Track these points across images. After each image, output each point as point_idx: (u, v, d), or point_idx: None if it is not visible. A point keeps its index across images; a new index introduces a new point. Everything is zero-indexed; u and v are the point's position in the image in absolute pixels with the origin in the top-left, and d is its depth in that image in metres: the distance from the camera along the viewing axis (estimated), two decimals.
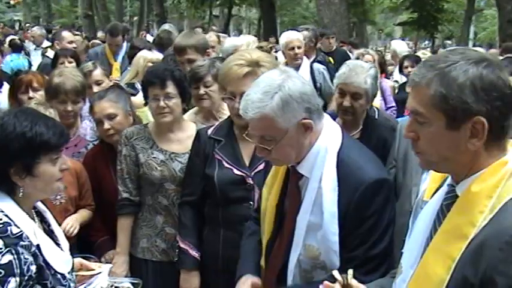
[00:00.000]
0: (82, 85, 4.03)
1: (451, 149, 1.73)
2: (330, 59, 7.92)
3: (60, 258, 2.28)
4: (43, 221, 2.44)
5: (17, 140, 2.16)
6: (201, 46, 5.06)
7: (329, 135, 2.42)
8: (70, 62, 5.60)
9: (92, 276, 3.24)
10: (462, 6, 29.82)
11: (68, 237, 3.42)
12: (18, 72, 4.43)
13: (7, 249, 2.04)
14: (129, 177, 3.53)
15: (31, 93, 4.24)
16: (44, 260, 2.17)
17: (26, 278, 2.06)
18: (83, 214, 3.66)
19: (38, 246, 2.16)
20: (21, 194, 2.20)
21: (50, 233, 2.40)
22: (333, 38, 9.65)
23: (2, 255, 2.03)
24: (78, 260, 2.65)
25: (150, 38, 12.13)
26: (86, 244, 3.69)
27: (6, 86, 5.09)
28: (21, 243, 2.08)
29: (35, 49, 10.76)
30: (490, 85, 1.66)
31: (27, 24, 30.29)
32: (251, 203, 3.10)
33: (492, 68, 1.67)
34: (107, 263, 3.53)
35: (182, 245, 3.27)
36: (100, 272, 2.89)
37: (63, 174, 2.36)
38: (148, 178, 3.48)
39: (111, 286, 3.21)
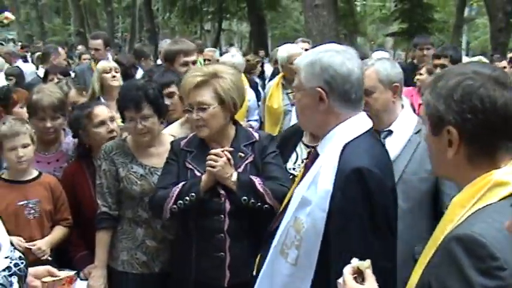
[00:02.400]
0: (60, 101, 4.03)
1: (438, 156, 1.81)
2: None
3: None
4: None
5: None
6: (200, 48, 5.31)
7: (351, 126, 2.43)
8: (59, 79, 5.61)
9: (61, 286, 3.28)
10: (452, 16, 29.99)
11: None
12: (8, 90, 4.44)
13: None
14: (109, 192, 3.53)
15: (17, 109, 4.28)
16: None
17: None
18: (56, 234, 3.66)
19: None
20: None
21: None
22: (429, 49, 7.80)
23: None
24: (45, 268, 2.66)
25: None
26: (65, 259, 3.70)
27: None
28: None
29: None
30: (465, 97, 1.68)
31: (19, 43, 30.33)
32: (222, 216, 3.13)
33: (483, 83, 1.68)
34: (85, 278, 3.56)
35: None
36: (65, 277, 2.90)
37: None
38: (129, 192, 3.48)
39: None
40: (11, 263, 2.37)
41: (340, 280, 1.97)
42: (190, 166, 3.22)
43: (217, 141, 3.24)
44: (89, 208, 3.64)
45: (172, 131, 3.85)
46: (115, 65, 5.77)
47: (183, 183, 3.16)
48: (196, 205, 3.12)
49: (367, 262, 1.96)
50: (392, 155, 3.17)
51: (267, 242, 2.62)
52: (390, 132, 3.32)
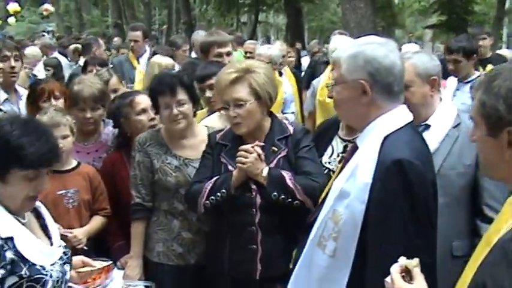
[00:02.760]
0: (100, 92, 4.08)
1: (493, 156, 1.77)
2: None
3: (40, 251, 2.33)
4: (39, 216, 2.53)
5: (3, 142, 2.22)
6: (235, 40, 5.30)
7: (391, 119, 2.42)
8: (98, 71, 5.67)
9: (98, 275, 3.33)
10: (493, 8, 29.37)
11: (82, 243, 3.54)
12: (38, 81, 4.47)
13: None
14: (142, 183, 3.56)
15: (53, 101, 4.29)
16: (18, 252, 2.23)
17: None
18: (94, 224, 3.72)
19: (11, 238, 2.22)
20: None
21: (44, 227, 2.49)
22: (484, 39, 7.55)
23: None
24: (80, 258, 2.71)
25: None
26: (103, 248, 3.77)
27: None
28: None
29: None
30: None
31: (58, 34, 30.79)
32: (253, 209, 3.14)
33: None
34: (122, 267, 3.61)
35: None
36: (103, 267, 3.04)
37: (38, 195, 2.40)
38: (164, 184, 3.50)
39: None
40: (63, 253, 2.45)
41: (387, 279, 1.97)
42: (224, 160, 3.24)
43: (252, 135, 3.23)
44: (128, 197, 3.66)
45: (211, 123, 3.87)
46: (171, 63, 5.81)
47: (215, 178, 3.18)
48: (228, 200, 3.13)
49: (415, 261, 1.95)
50: (430, 149, 3.14)
51: (304, 235, 2.61)
52: (428, 126, 3.27)
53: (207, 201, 3.16)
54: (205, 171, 3.28)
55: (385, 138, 2.35)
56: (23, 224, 2.33)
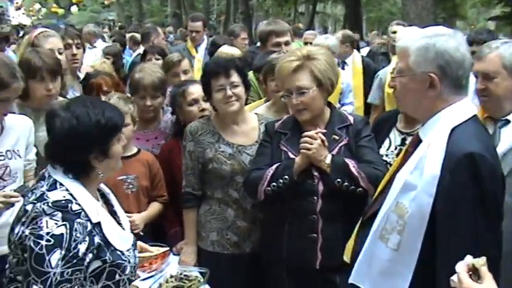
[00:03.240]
0: (160, 81, 4.13)
1: None
2: None
3: (119, 236, 2.40)
4: (107, 202, 2.59)
5: (94, 127, 2.30)
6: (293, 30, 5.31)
7: (457, 111, 2.38)
8: (157, 59, 5.73)
9: (154, 260, 3.40)
10: None
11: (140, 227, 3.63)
12: (88, 75, 4.56)
13: (63, 222, 2.17)
14: (193, 173, 3.59)
15: (102, 97, 4.38)
16: (104, 237, 2.30)
17: (71, 254, 2.16)
18: (152, 210, 3.79)
19: (99, 224, 2.29)
20: (100, 175, 2.39)
21: (112, 214, 2.55)
22: None
23: (58, 227, 2.16)
24: (138, 243, 2.76)
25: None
26: (160, 234, 3.85)
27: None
28: (78, 220, 2.21)
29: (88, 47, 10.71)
30: None
31: (119, 24, 31.35)
32: (315, 197, 3.13)
33: None
34: (177, 253, 3.67)
35: None
36: (160, 252, 3.11)
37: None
38: (219, 172, 3.51)
39: (180, 274, 3.35)
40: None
41: (454, 278, 1.93)
42: (284, 148, 3.25)
43: (313, 123, 3.23)
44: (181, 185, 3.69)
45: (261, 113, 3.88)
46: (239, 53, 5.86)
47: (277, 165, 3.18)
48: (290, 187, 3.13)
49: (483, 259, 1.90)
50: (507, 145, 3.05)
51: (364, 228, 2.59)
52: (508, 121, 3.17)
53: (268, 188, 3.16)
54: (264, 159, 3.29)
55: (452, 130, 2.31)
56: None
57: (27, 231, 2.17)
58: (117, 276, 2.34)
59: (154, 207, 3.80)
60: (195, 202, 3.63)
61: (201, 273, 3.36)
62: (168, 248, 3.58)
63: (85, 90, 4.35)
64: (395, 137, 3.56)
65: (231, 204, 3.55)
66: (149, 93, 4.06)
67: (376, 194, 2.72)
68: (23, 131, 3.38)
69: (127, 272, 2.38)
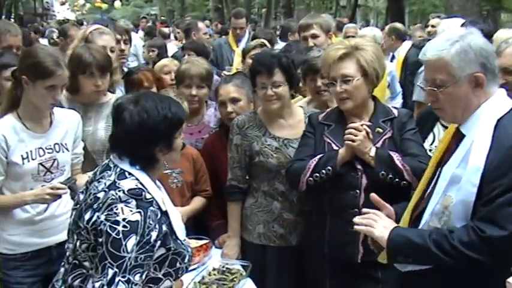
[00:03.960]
0: (207, 72, 4.19)
1: None
2: None
3: (179, 226, 2.50)
4: None
5: (162, 122, 2.38)
6: (325, 24, 5.26)
7: (497, 102, 2.41)
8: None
9: (197, 253, 3.46)
10: None
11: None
12: (130, 71, 4.63)
13: (138, 209, 2.26)
14: (239, 166, 3.62)
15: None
16: (170, 225, 2.40)
17: (145, 240, 2.24)
18: (195, 204, 3.84)
19: (166, 212, 2.40)
20: (166, 165, 2.50)
21: None
22: None
23: (133, 213, 2.25)
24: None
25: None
26: (203, 227, 3.89)
27: None
28: (151, 208, 2.31)
29: None
30: None
31: (162, 18, 31.64)
32: (357, 191, 3.13)
33: None
34: (219, 246, 3.72)
35: None
36: (202, 244, 3.27)
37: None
38: (265, 165, 3.54)
39: (223, 267, 3.39)
40: None
41: (510, 280, 1.96)
42: (328, 139, 3.24)
43: (357, 115, 3.23)
44: (224, 178, 3.73)
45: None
46: None
47: (320, 155, 3.19)
48: (332, 179, 3.13)
49: None
50: None
51: (412, 225, 2.58)
52: None
53: (311, 178, 3.17)
54: (307, 150, 3.30)
55: (497, 121, 2.33)
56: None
57: (102, 217, 2.25)
58: (177, 264, 2.43)
59: (198, 202, 3.85)
60: (240, 195, 3.66)
61: (243, 266, 3.40)
62: (208, 241, 3.65)
63: (126, 85, 4.43)
64: (439, 131, 3.53)
65: (277, 197, 3.57)
66: (195, 83, 4.11)
67: (418, 191, 2.70)
68: (71, 125, 3.47)
69: (186, 261, 2.47)
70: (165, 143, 2.43)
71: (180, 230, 2.49)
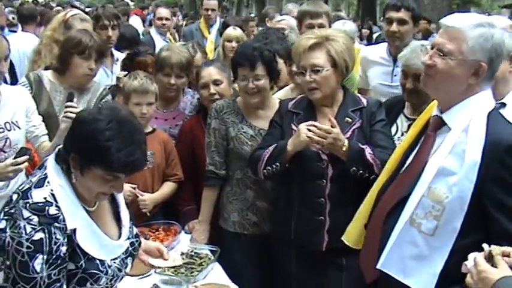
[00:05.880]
0: (187, 61, 4.14)
1: None
2: None
3: (102, 246, 2.29)
4: (113, 202, 2.50)
5: (91, 137, 2.13)
6: (330, 15, 5.20)
7: (485, 98, 2.45)
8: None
9: (165, 237, 3.44)
10: None
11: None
12: (137, 51, 4.59)
13: (40, 227, 2.11)
14: (217, 151, 3.62)
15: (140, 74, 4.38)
16: (78, 245, 2.21)
17: (54, 256, 2.13)
18: (165, 190, 3.85)
19: (74, 230, 2.19)
20: (74, 179, 2.23)
21: (117, 215, 2.48)
22: None
23: (36, 231, 2.10)
24: (156, 245, 2.74)
25: None
26: (173, 211, 3.89)
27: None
28: (56, 224, 2.14)
29: None
30: None
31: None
32: (324, 181, 3.14)
33: None
34: (189, 231, 3.73)
35: None
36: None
37: (110, 192, 2.34)
38: (239, 152, 3.55)
39: (191, 251, 3.41)
40: (130, 244, 2.46)
41: (468, 263, 2.02)
42: (295, 128, 3.21)
43: (326, 105, 3.25)
44: (203, 162, 3.71)
45: (283, 96, 3.89)
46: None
47: (273, 147, 3.19)
48: (296, 168, 3.15)
49: (499, 248, 1.98)
50: None
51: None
52: (503, 104, 3.21)
53: (265, 171, 3.21)
54: (271, 140, 3.31)
55: (488, 117, 2.37)
56: (89, 212, 2.29)
57: (8, 234, 2.13)
58: (88, 284, 2.26)
59: (167, 187, 3.85)
60: (216, 181, 3.65)
61: (211, 251, 3.41)
62: (177, 225, 3.66)
63: (131, 63, 4.39)
64: (402, 122, 3.56)
65: (250, 185, 3.58)
66: (175, 72, 4.07)
67: (384, 176, 2.74)
68: (20, 102, 3.42)
69: (101, 283, 2.28)
70: (78, 160, 2.18)
71: (103, 250, 2.29)
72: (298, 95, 3.57)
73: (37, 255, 2.10)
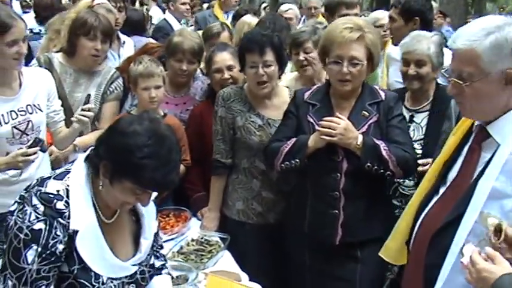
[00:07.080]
0: (199, 47, 4.12)
1: None
2: None
3: (100, 257, 2.20)
4: (137, 221, 2.42)
5: (128, 151, 2.05)
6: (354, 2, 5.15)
7: None
8: None
9: (176, 223, 3.43)
10: None
11: None
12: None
13: (43, 218, 2.07)
14: (223, 139, 3.59)
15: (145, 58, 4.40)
16: (75, 248, 2.13)
17: (48, 252, 2.07)
18: None
19: (75, 232, 2.12)
20: (100, 187, 2.17)
21: (137, 236, 2.39)
22: None
23: (38, 221, 2.06)
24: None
25: None
26: (184, 198, 3.87)
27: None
28: (59, 219, 2.09)
29: None
30: None
31: None
32: (338, 174, 3.10)
33: None
34: (200, 218, 3.72)
35: None
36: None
37: (135, 203, 2.28)
38: (246, 142, 3.52)
39: (201, 238, 3.41)
40: (140, 272, 2.36)
41: (464, 259, 1.95)
42: (311, 120, 3.19)
43: (344, 97, 3.19)
44: (212, 148, 3.69)
45: (287, 84, 3.87)
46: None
47: (293, 141, 3.15)
48: (311, 163, 3.12)
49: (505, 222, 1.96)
50: None
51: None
52: None
53: (282, 165, 3.17)
54: (286, 131, 3.27)
55: None
56: (102, 222, 2.21)
57: (14, 217, 2.10)
58: None
59: None
60: (223, 170, 3.63)
61: (221, 238, 3.42)
62: (188, 211, 3.68)
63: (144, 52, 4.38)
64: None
65: (256, 175, 3.56)
66: (186, 58, 4.05)
67: (424, 188, 2.55)
68: (42, 84, 3.40)
69: None
70: (109, 169, 2.12)
71: (102, 263, 2.19)
72: (303, 85, 3.53)
73: (32, 245, 2.05)
